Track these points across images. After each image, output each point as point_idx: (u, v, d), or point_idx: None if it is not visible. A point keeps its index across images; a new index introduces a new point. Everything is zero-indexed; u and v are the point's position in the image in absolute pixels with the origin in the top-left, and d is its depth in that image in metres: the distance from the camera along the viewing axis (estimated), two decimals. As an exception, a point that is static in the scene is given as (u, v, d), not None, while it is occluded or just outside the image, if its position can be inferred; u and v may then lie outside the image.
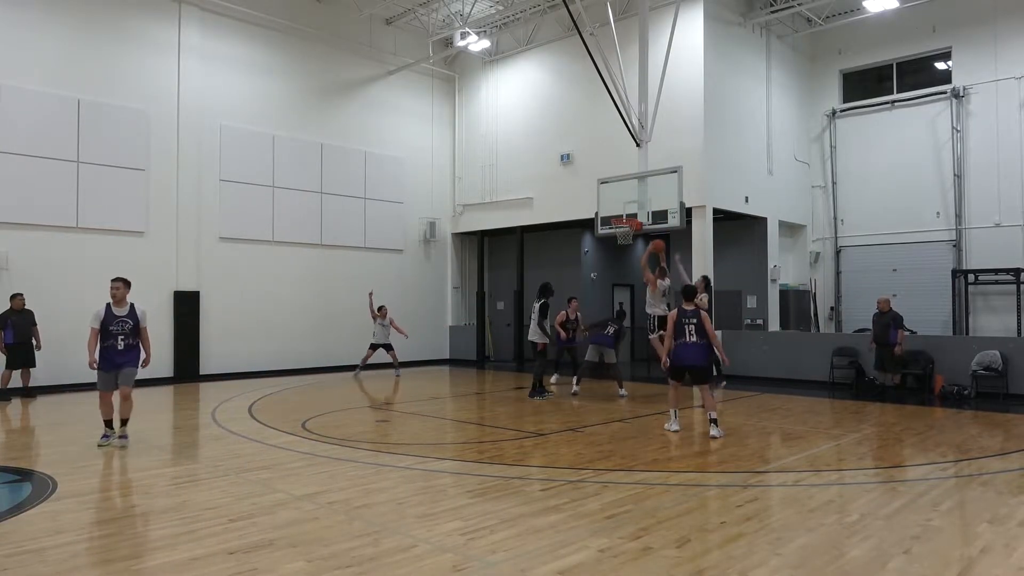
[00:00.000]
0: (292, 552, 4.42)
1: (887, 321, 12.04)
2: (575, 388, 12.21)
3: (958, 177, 15.94)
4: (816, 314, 18.03)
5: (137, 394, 9.63)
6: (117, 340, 7.64)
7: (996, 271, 15.07)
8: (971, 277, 15.53)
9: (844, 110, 17.86)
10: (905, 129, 16.83)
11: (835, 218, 17.91)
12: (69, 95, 13.38)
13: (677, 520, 5.06)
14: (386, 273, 18.39)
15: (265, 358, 15.99)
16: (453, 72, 19.98)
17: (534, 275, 17.77)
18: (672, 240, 16.73)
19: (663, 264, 12.11)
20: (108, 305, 7.72)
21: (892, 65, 17.19)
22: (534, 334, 12.24)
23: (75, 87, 13.46)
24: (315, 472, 6.63)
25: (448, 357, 20.04)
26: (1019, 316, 14.70)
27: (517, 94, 18.58)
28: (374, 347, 15.61)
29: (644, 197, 12.41)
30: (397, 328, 15.64)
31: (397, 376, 15.79)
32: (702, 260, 14.64)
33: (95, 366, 7.70)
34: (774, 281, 16.53)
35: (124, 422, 7.86)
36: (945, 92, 16.15)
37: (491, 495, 5.81)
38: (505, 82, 18.86)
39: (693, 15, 14.75)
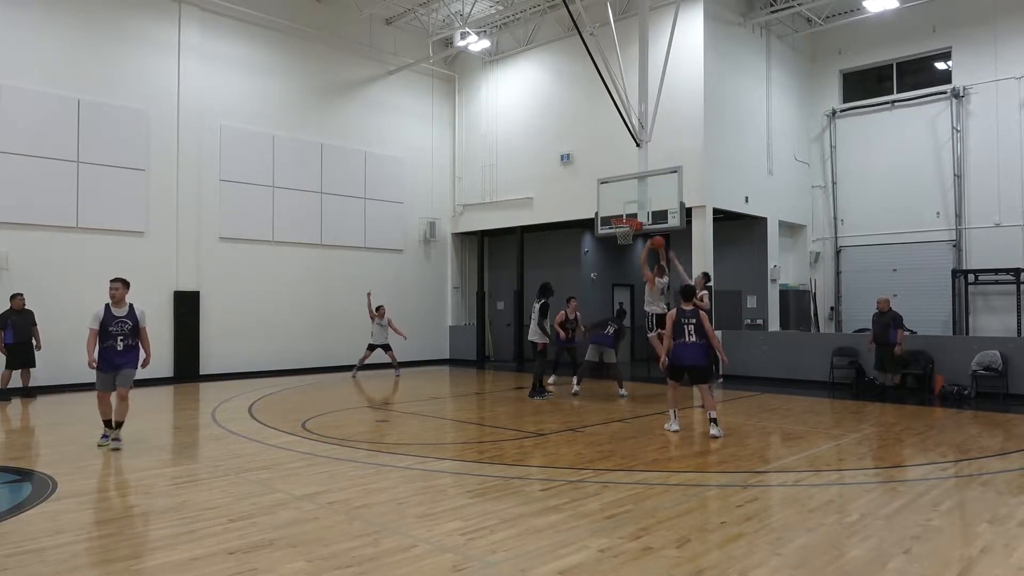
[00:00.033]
0: (292, 552, 4.42)
1: (887, 321, 12.04)
2: (575, 388, 12.21)
3: (958, 177, 15.94)
4: (816, 314, 18.03)
5: (137, 394, 9.64)
6: (116, 341, 7.62)
7: (996, 271, 15.08)
8: (971, 277, 15.53)
9: (844, 110, 17.87)
10: (905, 129, 16.83)
11: (835, 218, 17.92)
12: (69, 95, 13.38)
13: (677, 520, 5.06)
14: (386, 273, 18.39)
15: (265, 358, 15.99)
16: (453, 72, 19.98)
17: (534, 275, 17.77)
18: (672, 240, 16.70)
19: (662, 262, 12.11)
20: (107, 306, 7.69)
21: (892, 65, 17.19)
22: (534, 334, 12.24)
23: (75, 87, 13.46)
24: (315, 472, 6.63)
25: (448, 357, 20.05)
26: (1019, 316, 14.70)
27: (517, 94, 18.58)
28: (372, 347, 15.61)
29: (644, 197, 12.41)
30: (395, 329, 15.63)
31: (397, 376, 15.78)
32: (702, 260, 14.64)
33: (94, 366, 7.67)
34: (774, 281, 16.53)
35: (119, 425, 7.77)
36: (945, 92, 16.15)
37: (491, 495, 5.81)
38: (505, 82, 18.86)
39: (693, 15, 14.75)
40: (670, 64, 13.17)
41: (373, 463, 7.05)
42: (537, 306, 12.17)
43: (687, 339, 8.54)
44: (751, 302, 16.50)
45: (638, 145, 13.07)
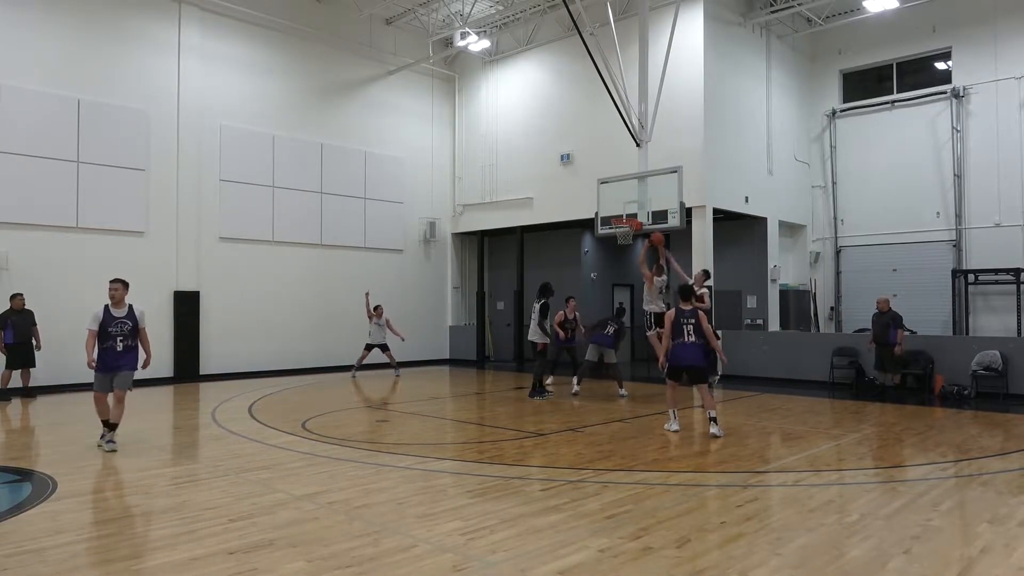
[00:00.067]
0: (292, 552, 4.42)
1: (887, 321, 12.04)
2: (575, 388, 12.21)
3: (958, 177, 15.94)
4: (816, 314, 18.03)
5: (137, 394, 9.65)
6: (116, 341, 7.60)
7: (996, 271, 15.08)
8: (971, 277, 15.53)
9: (844, 110, 17.87)
10: (905, 129, 16.83)
11: (835, 218, 17.92)
12: (69, 95, 13.38)
13: (677, 520, 5.06)
14: (386, 273, 18.40)
15: (265, 358, 15.99)
16: (453, 72, 19.98)
17: (534, 275, 17.77)
18: (672, 240, 16.75)
19: (661, 262, 12.11)
20: (106, 307, 7.66)
21: (892, 65, 17.19)
22: (534, 334, 12.23)
23: (75, 87, 13.46)
24: (315, 472, 6.63)
25: (448, 357, 20.05)
26: (1019, 316, 14.70)
27: (517, 94, 18.58)
28: (369, 347, 15.61)
29: (644, 197, 12.42)
30: (393, 330, 15.62)
31: (397, 376, 15.78)
32: (702, 260, 14.63)
33: (94, 366, 7.64)
34: (774, 281, 16.53)
35: (113, 427, 7.71)
36: (945, 92, 16.15)
37: (491, 495, 5.81)
38: (505, 82, 18.86)
39: (693, 15, 14.75)
40: (670, 64, 13.17)
41: (373, 463, 7.05)
42: (537, 306, 12.17)
43: (686, 339, 8.54)
44: (751, 302, 16.50)
45: (638, 145, 13.07)
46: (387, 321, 15.66)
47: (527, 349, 15.99)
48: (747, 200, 15.80)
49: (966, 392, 11.79)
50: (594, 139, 16.36)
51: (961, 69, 15.99)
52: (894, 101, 17.08)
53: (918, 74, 16.96)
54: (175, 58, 14.82)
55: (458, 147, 20.07)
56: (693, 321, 8.58)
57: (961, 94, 15.89)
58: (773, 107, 16.90)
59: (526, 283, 18.15)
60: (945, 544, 4.60)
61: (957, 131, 15.94)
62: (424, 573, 4.08)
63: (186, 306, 14.78)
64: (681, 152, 14.16)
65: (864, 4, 15.23)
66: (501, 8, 17.40)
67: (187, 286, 14.86)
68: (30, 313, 12.09)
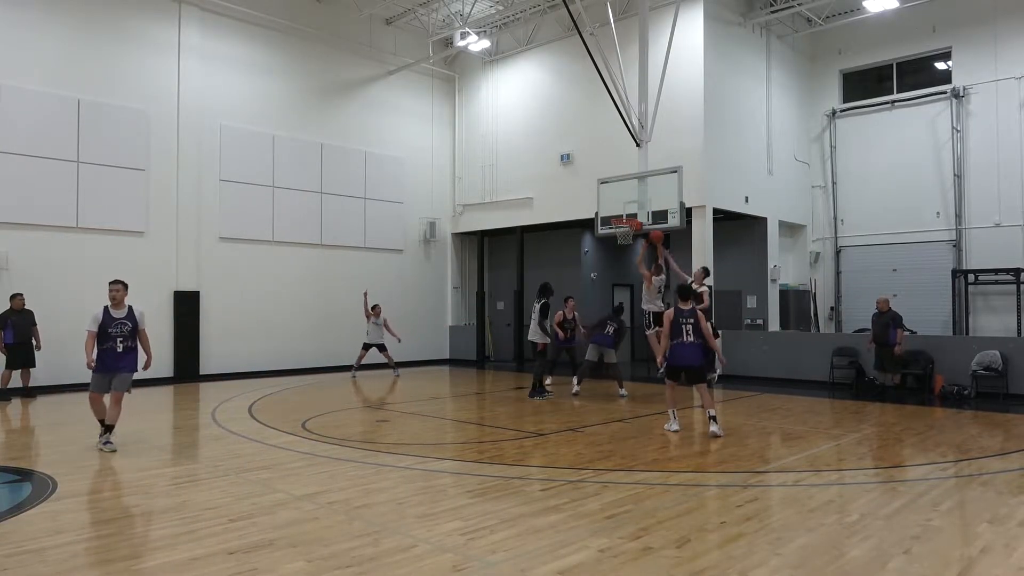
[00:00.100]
0: (292, 552, 4.42)
1: (886, 321, 12.04)
2: (575, 388, 12.21)
3: (958, 177, 15.94)
4: (816, 314, 18.03)
5: (137, 394, 9.65)
6: (116, 342, 7.58)
7: (996, 271, 15.08)
8: (971, 277, 15.53)
9: (844, 110, 17.86)
10: (905, 129, 16.83)
11: (835, 218, 17.92)
12: (69, 95, 13.38)
13: (677, 520, 5.06)
14: (386, 273, 18.39)
15: (265, 358, 15.99)
16: (453, 72, 19.98)
17: (534, 275, 17.77)
18: (672, 240, 16.75)
19: (660, 260, 12.13)
20: (106, 308, 7.65)
21: (892, 65, 17.19)
22: (534, 334, 12.23)
23: (75, 87, 13.46)
24: (315, 472, 6.63)
25: (448, 357, 20.05)
26: (1019, 316, 14.70)
27: (517, 94, 18.58)
28: (367, 347, 15.60)
29: (644, 197, 12.42)
30: (390, 330, 15.61)
31: (396, 376, 15.78)
32: (702, 260, 14.61)
33: (93, 367, 7.61)
34: (774, 281, 16.53)
35: (109, 428, 7.68)
36: (945, 92, 16.15)
37: (491, 495, 5.81)
38: (505, 82, 18.86)
39: (693, 15, 14.75)
40: (670, 64, 13.17)
41: (373, 463, 7.05)
42: (538, 306, 12.17)
43: (684, 339, 8.54)
44: (751, 302, 16.50)
45: (638, 145, 13.07)
46: (384, 321, 15.65)
47: (527, 349, 15.99)
48: (747, 200, 15.80)
49: (966, 392, 11.79)
50: (594, 139, 16.36)
51: (961, 69, 15.99)
52: (894, 101, 17.08)
53: (918, 74, 16.96)
54: (175, 58, 14.82)
55: (458, 147, 20.07)
56: (692, 321, 8.59)
57: (961, 94, 15.89)
58: (773, 107, 16.90)
59: (526, 283, 18.15)
60: (945, 544, 4.60)
61: (957, 131, 15.94)
62: (424, 573, 4.08)
63: (186, 306, 14.78)
64: (681, 152, 14.16)
65: (864, 4, 15.23)
66: (501, 8, 17.40)
67: (187, 286, 14.86)
68: (30, 313, 12.09)
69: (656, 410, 10.38)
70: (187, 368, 14.72)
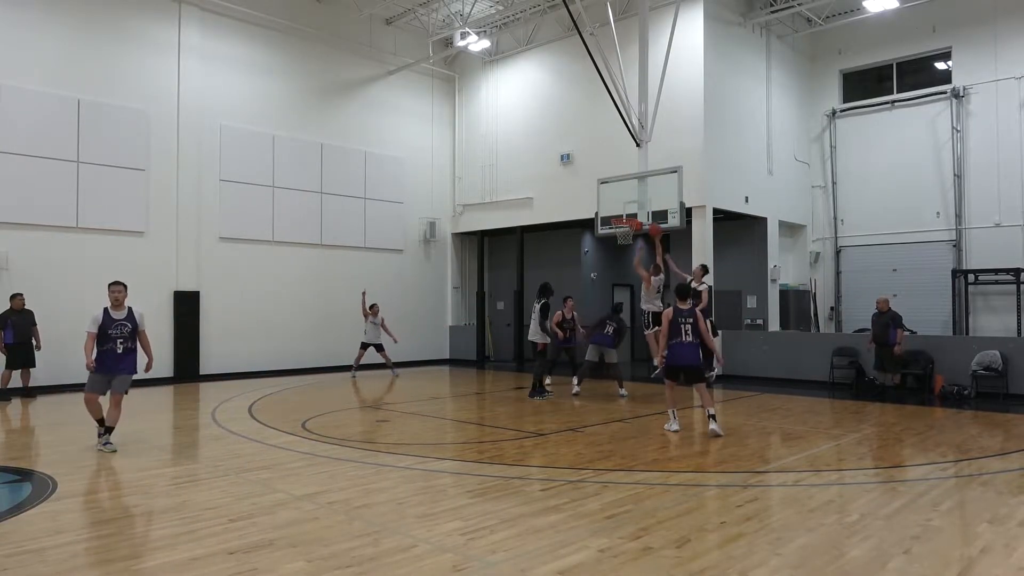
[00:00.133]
0: (292, 552, 4.42)
1: (886, 321, 12.04)
2: (576, 388, 12.21)
3: (958, 177, 15.94)
4: (816, 314, 18.03)
5: (137, 394, 9.66)
6: (116, 343, 7.56)
7: (996, 271, 15.08)
8: (971, 277, 15.53)
9: (844, 110, 17.86)
10: (905, 129, 16.83)
11: (835, 218, 17.91)
12: (69, 95, 13.38)
13: (677, 520, 5.06)
14: (386, 273, 18.40)
15: (265, 358, 15.99)
16: (453, 72, 19.98)
17: (534, 275, 17.77)
18: (672, 240, 16.81)
19: (658, 260, 12.13)
20: (106, 309, 7.63)
21: (892, 65, 17.19)
22: (534, 334, 12.23)
23: (75, 87, 13.46)
24: (315, 472, 6.63)
25: (448, 357, 20.05)
26: (1019, 316, 14.70)
27: (517, 94, 18.58)
28: (365, 346, 15.59)
29: (644, 197, 12.42)
30: (387, 330, 15.60)
31: (395, 376, 15.77)
32: (702, 260, 14.59)
33: (93, 368, 7.58)
34: (774, 281, 16.53)
35: (109, 430, 7.68)
36: (945, 92, 16.15)
37: (491, 495, 5.81)
38: (505, 82, 18.87)
39: (693, 15, 14.75)
40: (670, 64, 13.17)
41: (373, 463, 7.05)
42: (538, 306, 12.17)
43: (683, 339, 8.54)
44: (751, 302, 16.50)
45: (638, 145, 13.07)
46: (382, 320, 15.64)
47: (527, 349, 15.98)
48: (747, 200, 15.80)
49: (966, 392, 11.79)
50: (594, 139, 16.36)
51: (961, 69, 15.99)
52: (894, 101, 17.08)
53: (918, 74, 16.96)
54: (175, 58, 14.82)
55: (458, 147, 20.07)
56: (691, 321, 8.59)
57: (961, 94, 15.89)
58: (773, 107, 16.90)
59: (526, 283, 18.15)
60: (945, 544, 4.60)
61: (957, 131, 15.94)
62: (424, 573, 4.08)
63: (186, 306, 14.78)
64: (681, 152, 14.16)
65: (864, 4, 15.23)
66: (501, 8, 17.40)
67: (187, 286, 14.86)
68: (30, 313, 12.09)
69: (656, 410, 10.38)
70: (187, 368, 14.72)
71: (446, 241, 20.10)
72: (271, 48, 16.40)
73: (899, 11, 15.70)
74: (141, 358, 7.83)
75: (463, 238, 20.52)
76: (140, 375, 7.97)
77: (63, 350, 12.49)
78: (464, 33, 17.65)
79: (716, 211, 15.13)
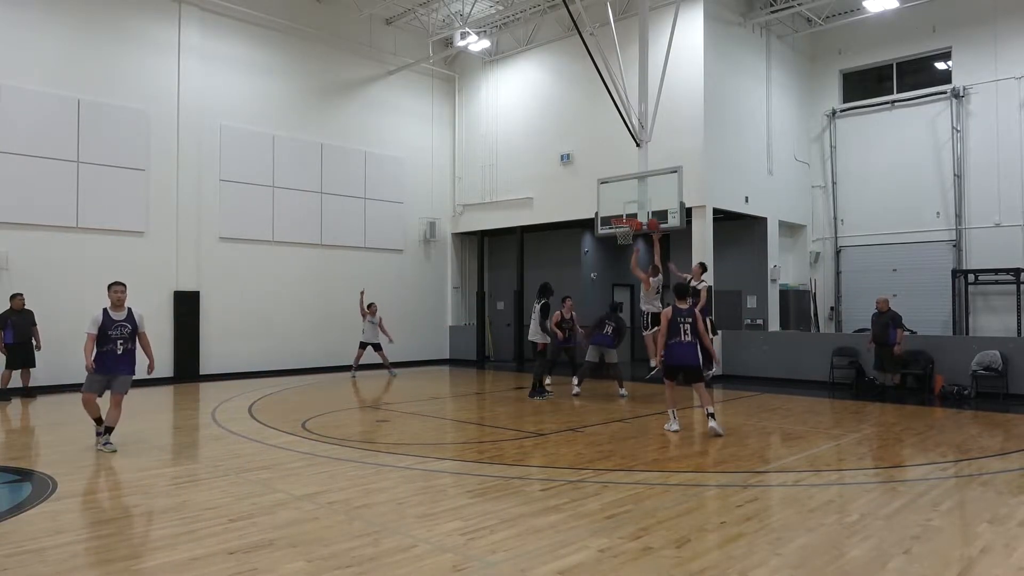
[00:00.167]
0: (292, 552, 4.42)
1: (886, 321, 12.04)
2: (576, 388, 12.20)
3: (958, 177, 15.94)
4: (816, 314, 18.03)
5: (137, 394, 9.65)
6: (116, 344, 7.55)
7: (996, 271, 15.07)
8: (971, 277, 15.53)
9: (844, 110, 17.86)
10: (905, 129, 16.83)
11: (835, 218, 17.91)
12: (69, 95, 13.38)
13: (677, 520, 5.06)
14: (386, 273, 18.40)
15: (265, 358, 15.99)
16: (453, 72, 19.98)
17: (534, 275, 17.77)
18: (672, 240, 16.82)
19: (656, 262, 12.13)
20: (105, 310, 7.62)
21: (892, 65, 17.19)
22: (535, 334, 12.23)
23: (75, 87, 13.46)
24: (315, 472, 6.63)
25: (448, 357, 20.04)
26: (1019, 316, 14.70)
27: (517, 94, 18.58)
28: (363, 345, 15.60)
29: (644, 197, 12.41)
30: (383, 330, 15.60)
31: (392, 376, 15.75)
32: (701, 260, 14.61)
33: (93, 369, 7.57)
34: (774, 281, 16.52)
35: (109, 430, 7.67)
36: (945, 92, 16.14)
37: (491, 495, 5.81)
38: (505, 82, 18.86)
39: (693, 15, 14.75)
40: (670, 64, 13.16)
41: (373, 463, 7.05)
42: (538, 306, 12.17)
43: (682, 338, 8.54)
44: (751, 302, 16.50)
45: (638, 145, 13.07)
46: (380, 320, 15.63)
47: (527, 349, 15.97)
48: (747, 200, 15.80)
49: (966, 392, 11.79)
50: (594, 139, 16.36)
51: (961, 69, 15.99)
52: (894, 101, 17.08)
53: (918, 74, 16.96)
54: (175, 58, 14.82)
55: (458, 147, 20.07)
56: (690, 320, 8.60)
57: (961, 94, 15.89)
58: (773, 107, 16.90)
59: (526, 283, 18.15)
60: (945, 544, 4.60)
61: (957, 131, 15.94)
62: (424, 573, 4.08)
63: (186, 306, 14.78)
64: (681, 152, 14.15)
65: (864, 4, 15.23)
66: (501, 8, 17.40)
67: (187, 286, 14.86)
68: (30, 313, 12.09)
69: (656, 410, 10.38)
70: (187, 368, 14.71)
71: (446, 241, 20.10)
72: (271, 48, 16.40)
73: (899, 11, 15.70)
74: (141, 359, 7.83)
75: (463, 238, 20.52)
76: (141, 376, 7.97)
77: (63, 350, 12.49)
78: (464, 33, 17.65)
79: (716, 211, 15.12)
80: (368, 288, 16.56)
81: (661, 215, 12.13)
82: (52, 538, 4.73)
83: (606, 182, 13.18)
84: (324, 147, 17.21)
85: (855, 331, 15.42)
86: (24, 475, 6.60)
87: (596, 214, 13.25)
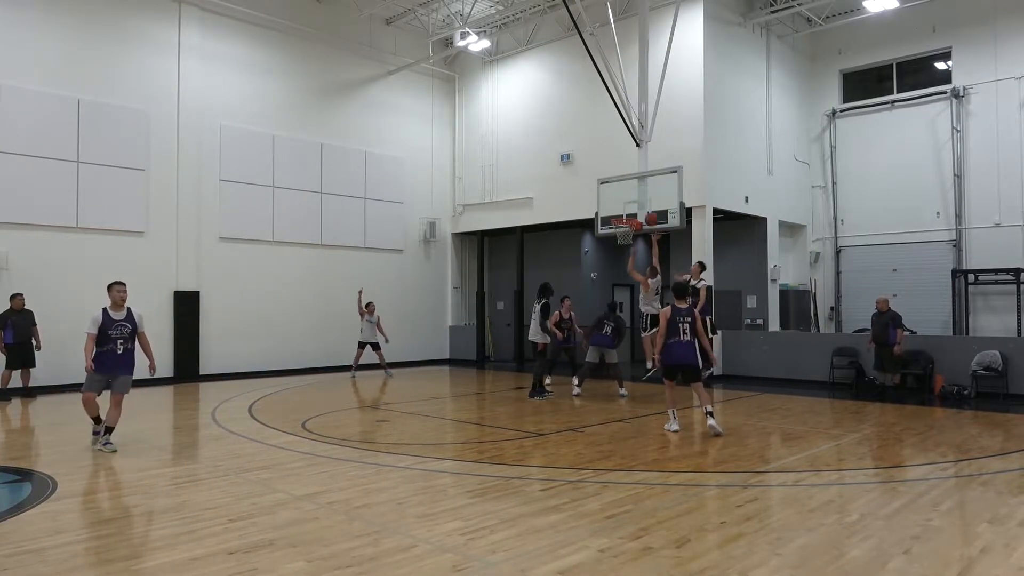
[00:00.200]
0: (292, 552, 4.42)
1: (886, 321, 12.04)
2: (576, 389, 12.20)
3: (958, 177, 15.94)
4: (816, 314, 18.03)
5: (137, 394, 9.65)
6: (116, 344, 7.55)
7: (996, 271, 15.08)
8: (971, 277, 15.53)
9: (844, 110, 17.86)
10: (905, 129, 16.83)
11: (835, 218, 17.91)
12: (69, 95, 13.38)
13: (677, 520, 5.06)
14: (386, 273, 18.40)
15: (265, 358, 15.99)
16: (453, 72, 19.98)
17: (534, 275, 17.77)
18: (672, 240, 16.83)
19: (654, 264, 12.12)
20: (105, 310, 7.62)
21: (892, 65, 17.19)
22: (535, 334, 12.23)
23: (75, 87, 13.46)
24: (315, 472, 6.63)
25: (448, 357, 20.04)
26: (1019, 316, 14.70)
27: (517, 94, 18.58)
28: (362, 345, 15.59)
29: (644, 197, 12.41)
30: (380, 329, 15.61)
31: (388, 376, 15.71)
32: (701, 259, 14.61)
33: (93, 370, 7.55)
34: (774, 281, 16.53)
35: (109, 430, 7.67)
36: (945, 92, 16.14)
37: (491, 495, 5.81)
38: (505, 82, 18.87)
39: (693, 15, 14.75)
40: (670, 64, 13.17)
41: (373, 463, 7.05)
42: (538, 307, 12.16)
43: (681, 337, 8.54)
44: (751, 302, 16.50)
45: (638, 145, 13.07)
46: (377, 319, 15.63)
47: (527, 349, 15.97)
48: (747, 200, 15.80)
49: (966, 392, 11.79)
50: (594, 139, 16.36)
51: (961, 69, 15.99)
52: (894, 101, 17.08)
53: (918, 74, 16.96)
54: (175, 58, 14.82)
55: (458, 147, 20.07)
56: (689, 320, 8.60)
57: (961, 94, 15.89)
58: (773, 107, 16.90)
59: (526, 283, 18.15)
60: (945, 544, 4.60)
61: (957, 131, 15.94)
62: (424, 573, 4.08)
63: (186, 306, 14.78)
64: (681, 152, 14.16)
65: (864, 4, 15.23)
66: (501, 8, 17.40)
67: (187, 286, 14.86)
68: (30, 313, 12.10)
69: (656, 410, 10.38)
70: (187, 368, 14.72)
71: (446, 241, 20.10)
72: (271, 48, 16.40)
73: (899, 11, 15.70)
74: (141, 359, 7.82)
75: (463, 238, 20.52)
76: (141, 376, 7.97)
77: (63, 350, 12.49)
78: (464, 33, 17.65)
79: (716, 211, 15.13)
80: (368, 288, 16.56)
81: (661, 215, 12.13)
82: (52, 538, 4.73)
83: (606, 182, 13.19)
84: (324, 147, 17.21)
85: (855, 331, 15.42)
86: (24, 475, 6.60)
87: (596, 214, 13.26)
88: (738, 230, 16.55)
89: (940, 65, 16.65)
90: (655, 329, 10.49)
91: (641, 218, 12.31)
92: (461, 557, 4.32)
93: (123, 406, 7.77)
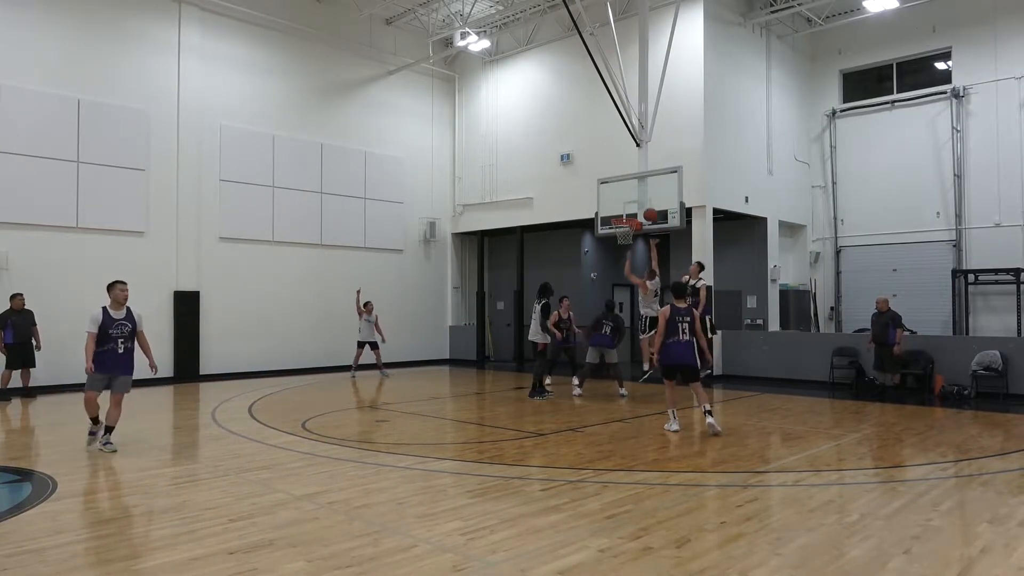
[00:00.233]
0: (292, 552, 4.42)
1: (886, 321, 12.04)
2: (576, 389, 12.19)
3: (958, 177, 15.94)
4: (816, 314, 18.03)
5: (137, 394, 9.65)
6: (116, 343, 7.54)
7: (996, 271, 15.07)
8: (971, 277, 15.53)
9: (844, 110, 17.86)
10: (905, 129, 16.83)
11: (835, 218, 17.91)
12: (69, 95, 13.38)
13: (677, 520, 5.06)
14: (386, 273, 18.40)
15: (265, 358, 15.99)
16: (453, 72, 19.98)
17: (534, 275, 17.77)
18: (672, 240, 16.83)
19: (653, 266, 12.11)
20: (104, 309, 7.61)
21: (892, 65, 17.19)
22: (535, 334, 12.22)
23: (75, 87, 13.46)
24: (315, 472, 6.63)
25: (448, 357, 20.04)
26: (1019, 316, 14.70)
27: (517, 94, 18.58)
28: (361, 344, 15.59)
29: (644, 197, 12.40)
30: (378, 328, 15.60)
31: (384, 376, 15.67)
32: (701, 260, 14.61)
33: (93, 370, 7.53)
34: (774, 281, 16.52)
35: (109, 430, 7.66)
36: (945, 92, 16.14)
37: (491, 495, 5.81)
38: (505, 82, 18.86)
39: (693, 15, 14.75)
40: (670, 64, 13.17)
41: (373, 463, 7.05)
42: (538, 307, 12.16)
43: (680, 337, 8.55)
44: (751, 302, 16.50)
45: (638, 145, 13.07)
46: (376, 318, 15.62)
47: (527, 349, 15.96)
48: (747, 200, 15.80)
49: (966, 392, 11.79)
50: (594, 139, 16.36)
51: (961, 69, 15.99)
52: (894, 101, 17.08)
53: (918, 74, 16.96)
54: (175, 58, 14.82)
55: (458, 147, 20.07)
56: (688, 319, 8.61)
57: (961, 94, 15.89)
58: (773, 107, 16.90)
59: (526, 283, 18.15)
60: (945, 544, 4.60)
61: (957, 131, 15.94)
62: (424, 573, 4.08)
63: (186, 306, 14.78)
64: (681, 152, 14.15)
65: (864, 4, 15.23)
66: (501, 8, 17.40)
67: (187, 286, 14.86)
68: (30, 313, 12.09)
69: (656, 410, 10.38)
70: (187, 368, 14.71)
71: (446, 241, 20.10)
72: (271, 48, 16.40)
73: (899, 11, 15.69)
74: (141, 359, 7.82)
75: (463, 238, 20.52)
76: (141, 376, 7.97)
77: (63, 350, 12.50)
78: (464, 33, 17.65)
79: (716, 211, 15.12)
80: (368, 288, 16.56)
81: (661, 215, 12.12)
82: (52, 538, 4.73)
83: (606, 182, 13.18)
84: (324, 147, 17.21)
85: (855, 331, 15.42)
86: (24, 475, 6.60)
87: (596, 214, 13.25)
88: (738, 230, 16.55)
89: (940, 65, 16.65)
90: (654, 331, 10.48)
91: (642, 219, 12.30)
92: (461, 557, 4.32)
93: (123, 406, 7.76)
